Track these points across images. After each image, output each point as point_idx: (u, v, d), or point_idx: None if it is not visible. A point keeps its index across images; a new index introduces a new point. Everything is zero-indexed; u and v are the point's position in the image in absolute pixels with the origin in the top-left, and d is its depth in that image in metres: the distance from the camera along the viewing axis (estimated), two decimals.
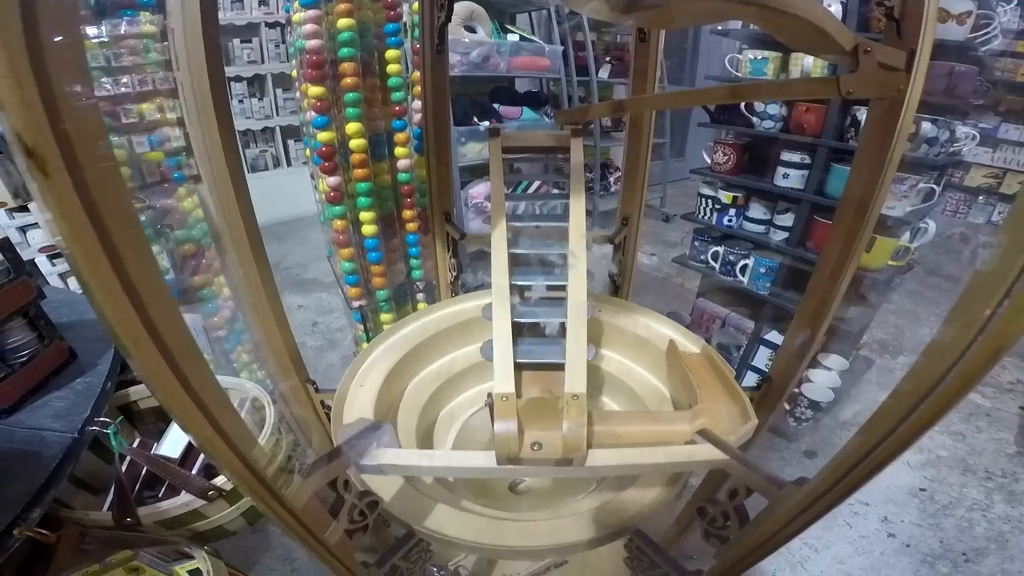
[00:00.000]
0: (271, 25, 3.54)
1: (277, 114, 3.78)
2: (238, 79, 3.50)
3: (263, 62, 3.58)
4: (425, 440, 0.92)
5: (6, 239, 0.88)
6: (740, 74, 1.63)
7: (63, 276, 2.13)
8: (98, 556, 0.80)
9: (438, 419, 0.96)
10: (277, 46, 3.60)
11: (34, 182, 0.18)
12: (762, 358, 1.79)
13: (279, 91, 3.73)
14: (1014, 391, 2.05)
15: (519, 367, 0.54)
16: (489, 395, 0.51)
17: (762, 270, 1.65)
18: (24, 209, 2.03)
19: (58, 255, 2.12)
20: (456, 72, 2.30)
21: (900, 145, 0.61)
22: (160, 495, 0.91)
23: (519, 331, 0.58)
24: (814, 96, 1.29)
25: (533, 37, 2.75)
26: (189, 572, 0.77)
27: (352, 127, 1.18)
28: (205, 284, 1.52)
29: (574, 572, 1.13)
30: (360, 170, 1.18)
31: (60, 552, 0.82)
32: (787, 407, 1.73)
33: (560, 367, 0.53)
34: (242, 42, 3.45)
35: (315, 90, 1.16)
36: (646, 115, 1.00)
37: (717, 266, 1.79)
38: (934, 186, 1.48)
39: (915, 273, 3.09)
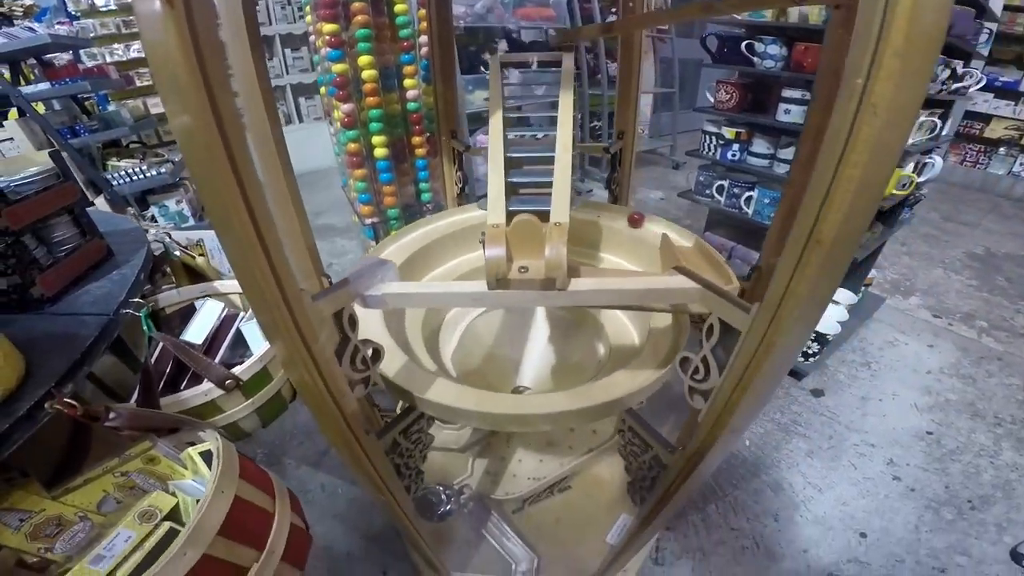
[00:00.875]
0: None
1: (287, 73, 3.83)
2: None
3: (271, 23, 3.63)
4: (431, 340, 0.98)
5: (56, 151, 0.96)
6: (740, 17, 1.66)
7: None
8: (122, 447, 0.83)
9: (444, 321, 1.01)
10: (283, 7, 3.64)
11: (160, 12, 0.28)
12: None
13: (287, 51, 3.77)
14: None
15: (512, 215, 0.58)
16: (482, 233, 0.55)
17: (766, 200, 1.68)
18: None
19: None
20: (461, 24, 2.31)
21: None
22: (182, 388, 0.97)
23: (513, 191, 0.63)
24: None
25: None
26: (200, 454, 0.79)
27: (364, 59, 1.24)
28: None
29: (577, 498, 1.16)
30: (372, 98, 1.25)
31: (95, 445, 0.88)
32: None
33: (547, 215, 0.57)
34: None
35: (329, 27, 1.23)
36: (636, 34, 1.04)
37: (722, 199, 1.83)
38: (937, 120, 1.49)
39: (931, 219, 3.02)
